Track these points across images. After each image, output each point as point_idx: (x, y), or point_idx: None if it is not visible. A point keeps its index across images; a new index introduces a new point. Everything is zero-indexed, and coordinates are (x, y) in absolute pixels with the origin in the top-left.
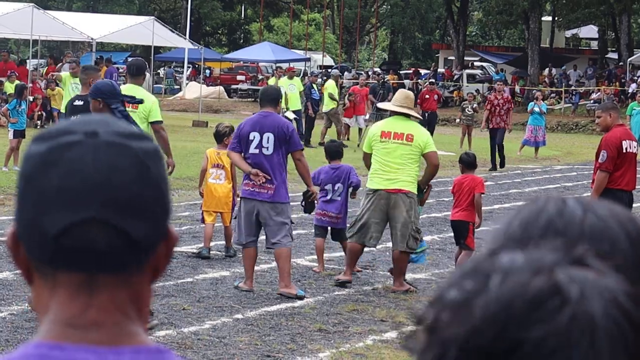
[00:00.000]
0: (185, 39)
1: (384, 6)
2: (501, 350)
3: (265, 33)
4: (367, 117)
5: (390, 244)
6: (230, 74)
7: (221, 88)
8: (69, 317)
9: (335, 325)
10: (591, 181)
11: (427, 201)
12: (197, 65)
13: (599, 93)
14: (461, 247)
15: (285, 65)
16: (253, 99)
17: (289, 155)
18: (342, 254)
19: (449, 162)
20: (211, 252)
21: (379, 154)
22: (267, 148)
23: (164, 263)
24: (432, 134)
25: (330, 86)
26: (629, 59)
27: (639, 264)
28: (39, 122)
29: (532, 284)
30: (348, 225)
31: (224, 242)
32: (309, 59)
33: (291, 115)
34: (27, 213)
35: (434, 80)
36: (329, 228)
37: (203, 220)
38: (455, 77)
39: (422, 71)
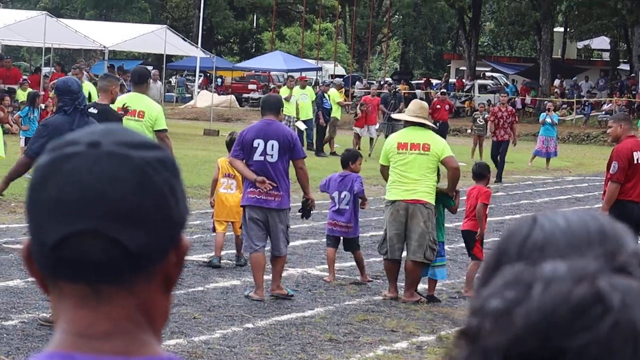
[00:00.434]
0: (197, 47)
1: (396, 16)
2: (543, 358)
3: (277, 42)
4: (378, 127)
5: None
6: (241, 82)
7: (233, 97)
8: (80, 327)
9: (346, 335)
10: (602, 192)
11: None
12: (208, 74)
13: (610, 104)
14: (471, 257)
15: (297, 75)
16: None
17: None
18: (354, 263)
19: (460, 173)
20: (222, 261)
21: (397, 165)
22: (272, 155)
23: (176, 272)
24: None
25: (335, 95)
26: None
27: None
28: None
29: (575, 292)
30: (377, 244)
31: (234, 252)
32: (320, 69)
33: (302, 126)
34: (31, 224)
35: (445, 90)
36: (341, 238)
37: (214, 229)
38: (467, 87)
39: (434, 81)
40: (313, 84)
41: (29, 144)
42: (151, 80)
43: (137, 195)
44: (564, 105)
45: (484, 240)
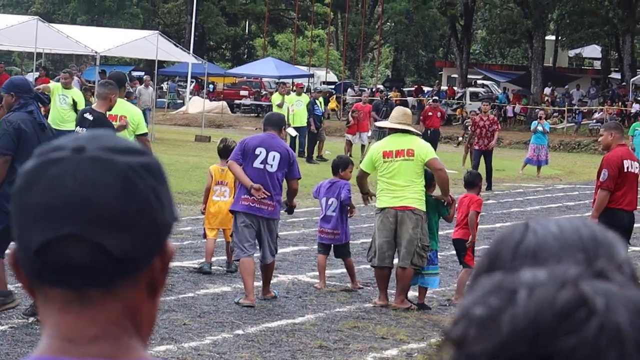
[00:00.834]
0: (189, 53)
1: (388, 23)
2: None
3: (269, 49)
4: (370, 134)
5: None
6: (233, 89)
7: (224, 103)
8: (66, 332)
9: (336, 342)
10: (592, 200)
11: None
12: (200, 80)
13: (601, 113)
14: (462, 265)
15: (288, 81)
16: (256, 115)
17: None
18: (344, 270)
19: (451, 181)
20: (212, 267)
21: (384, 174)
22: (272, 165)
23: (161, 277)
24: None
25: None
26: (632, 79)
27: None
28: None
29: (559, 296)
30: (366, 251)
31: (225, 258)
32: (312, 75)
33: (293, 132)
34: (17, 229)
35: (437, 98)
36: (332, 245)
37: (205, 236)
38: (458, 95)
39: (425, 89)
40: (305, 90)
41: None
42: (143, 86)
43: (121, 200)
44: (555, 114)
45: (475, 248)
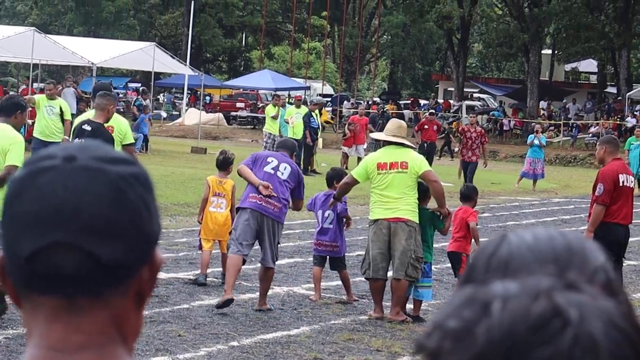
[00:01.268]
0: (185, 65)
1: (385, 36)
2: None
3: (266, 61)
4: (366, 146)
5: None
6: (229, 101)
7: (220, 115)
8: (53, 341)
9: (331, 354)
10: (588, 214)
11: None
12: (196, 92)
13: (597, 127)
14: (457, 277)
15: (283, 93)
16: (252, 127)
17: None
18: (340, 283)
19: (447, 193)
20: (208, 279)
21: (377, 185)
22: (282, 173)
23: (148, 287)
24: (430, 164)
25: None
26: (628, 94)
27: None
28: None
29: (533, 308)
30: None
31: (220, 269)
32: (308, 88)
33: None
34: (6, 237)
35: (434, 111)
36: (328, 257)
37: (200, 247)
38: (454, 108)
39: (422, 102)
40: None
41: None
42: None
43: (112, 209)
44: (551, 127)
45: None
